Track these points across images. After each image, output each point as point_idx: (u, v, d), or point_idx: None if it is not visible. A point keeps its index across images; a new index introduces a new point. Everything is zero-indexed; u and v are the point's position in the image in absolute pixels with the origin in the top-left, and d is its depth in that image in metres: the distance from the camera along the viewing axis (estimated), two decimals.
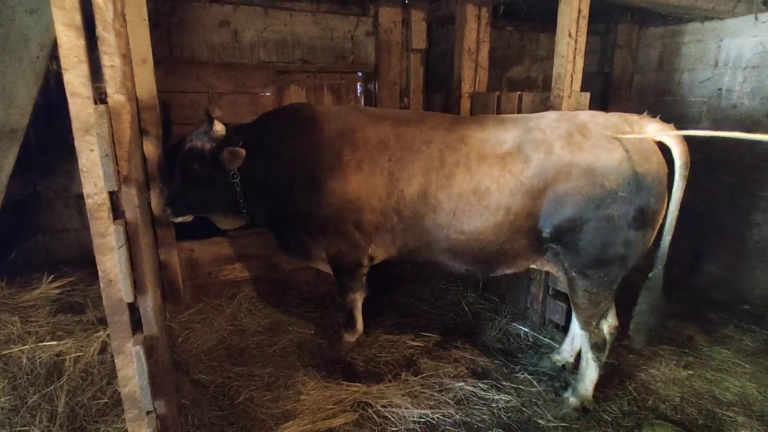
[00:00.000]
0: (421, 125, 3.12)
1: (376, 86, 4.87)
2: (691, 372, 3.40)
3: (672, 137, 2.58)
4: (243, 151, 3.13)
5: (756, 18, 4.28)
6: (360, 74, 4.99)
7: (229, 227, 3.74)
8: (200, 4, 4.01)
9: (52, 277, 3.34)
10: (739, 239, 4.61)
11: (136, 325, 1.78)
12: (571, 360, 3.36)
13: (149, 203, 3.39)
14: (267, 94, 4.49)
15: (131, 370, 1.73)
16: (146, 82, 3.22)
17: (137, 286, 1.71)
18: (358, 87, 5.08)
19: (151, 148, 3.29)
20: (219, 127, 3.19)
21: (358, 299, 3.54)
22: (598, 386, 3.06)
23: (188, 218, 3.46)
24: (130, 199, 1.63)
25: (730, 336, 3.90)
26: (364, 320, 3.67)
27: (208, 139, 3.23)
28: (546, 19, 5.04)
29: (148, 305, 1.75)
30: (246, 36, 4.26)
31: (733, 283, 4.67)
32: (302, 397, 3.02)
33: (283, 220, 3.42)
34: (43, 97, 3.06)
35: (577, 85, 3.31)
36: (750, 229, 4.53)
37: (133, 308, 1.76)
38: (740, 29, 4.43)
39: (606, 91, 5.54)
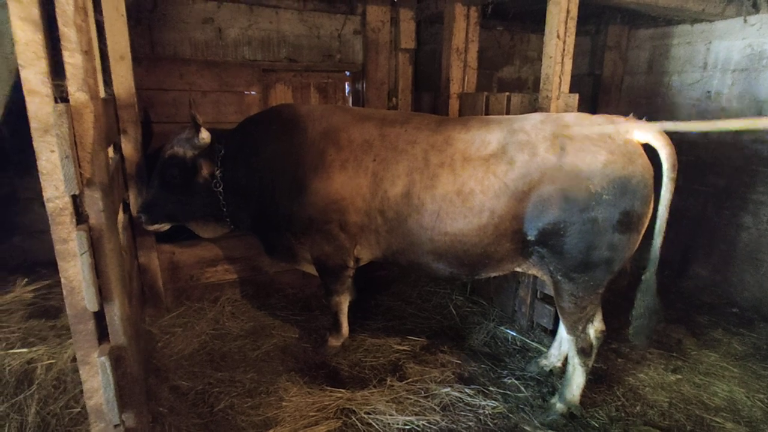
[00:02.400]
0: (406, 125, 3.07)
1: (364, 86, 4.80)
2: (679, 376, 3.37)
3: (649, 132, 2.56)
4: (206, 172, 3.20)
5: (745, 21, 4.27)
6: (348, 73, 4.91)
7: (211, 235, 3.66)
8: (183, 0, 3.92)
9: (26, 280, 3.24)
10: (729, 242, 4.60)
11: (103, 334, 1.70)
12: (559, 365, 3.32)
13: (127, 205, 3.30)
14: (252, 93, 4.40)
15: (97, 381, 1.65)
16: (124, 80, 3.13)
17: (103, 294, 1.63)
18: (346, 86, 5.01)
19: (129, 148, 3.20)
20: (205, 135, 3.12)
21: (344, 302, 3.48)
22: (586, 391, 3.02)
23: (164, 227, 3.39)
24: (94, 202, 1.55)
25: (718, 339, 3.88)
26: (350, 323, 3.60)
27: (190, 146, 3.17)
28: (536, 19, 5.00)
29: (115, 314, 1.67)
30: (230, 33, 4.17)
31: (722, 286, 4.66)
32: (284, 403, 2.94)
33: (269, 223, 3.35)
34: (19, 94, 2.96)
35: (565, 87, 3.27)
36: (739, 232, 4.52)
37: (99, 317, 1.68)
38: (729, 32, 4.42)
39: (596, 93, 5.52)
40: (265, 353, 3.49)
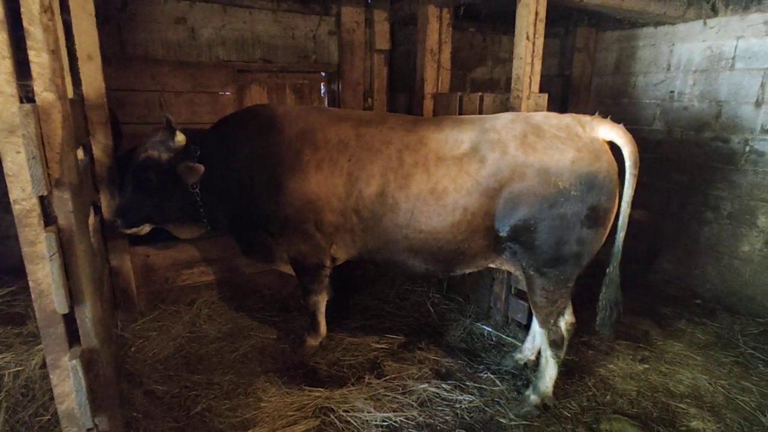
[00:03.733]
0: (381, 126, 3.10)
1: (340, 86, 4.82)
2: (646, 366, 3.50)
3: (613, 130, 2.67)
4: (201, 168, 3.08)
5: (705, 23, 4.46)
6: (323, 74, 4.93)
7: (188, 236, 3.63)
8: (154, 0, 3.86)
9: None
10: (692, 236, 4.80)
11: (74, 337, 1.68)
12: (533, 358, 3.41)
13: (98, 207, 3.24)
14: (227, 93, 4.37)
15: (68, 386, 1.63)
16: (93, 80, 3.08)
17: (73, 297, 1.60)
18: (322, 87, 5.02)
19: (99, 149, 3.14)
20: (180, 137, 3.08)
21: (321, 302, 3.49)
22: (559, 383, 3.11)
23: (142, 230, 3.34)
24: (63, 203, 1.53)
25: (683, 330, 4.05)
26: (328, 323, 3.61)
27: (165, 149, 3.13)
28: (507, 21, 5.10)
29: (86, 316, 1.65)
30: (204, 33, 4.13)
31: (686, 279, 4.85)
32: (262, 404, 2.94)
33: (246, 223, 3.35)
34: None
35: (535, 87, 3.36)
36: (701, 226, 4.72)
37: (69, 320, 1.65)
38: (690, 34, 4.61)
39: (565, 93, 5.67)
40: (243, 355, 3.47)
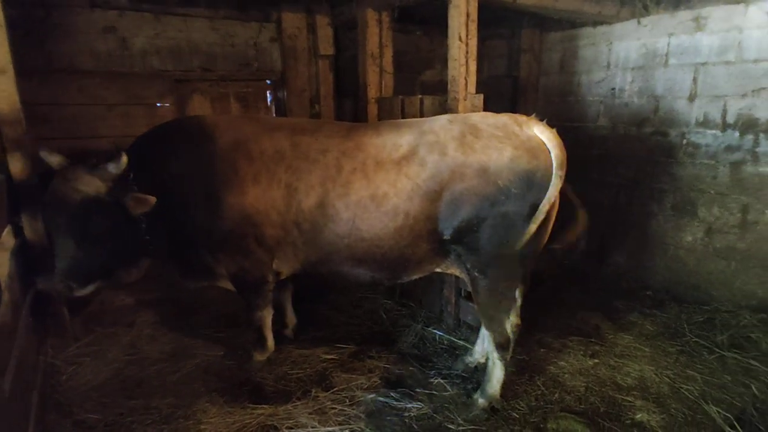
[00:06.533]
0: (316, 134, 3.03)
1: (285, 94, 4.73)
2: (596, 360, 3.51)
3: (544, 133, 2.68)
4: (153, 199, 2.75)
5: (639, 22, 4.59)
6: (269, 82, 4.83)
7: (136, 277, 3.27)
8: (79, 9, 3.70)
9: None
10: (641, 229, 4.90)
11: None
12: (483, 360, 3.37)
13: (19, 228, 3.04)
14: (166, 104, 4.22)
15: None
16: (7, 95, 2.89)
17: None
18: (268, 95, 4.92)
19: (17, 167, 2.96)
20: (125, 158, 2.72)
21: (267, 316, 3.37)
22: (509, 383, 3.09)
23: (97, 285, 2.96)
24: None
25: (633, 322, 4.10)
26: (278, 336, 3.50)
27: (100, 179, 2.73)
28: None
29: None
30: (136, 43, 3.98)
31: (637, 271, 4.94)
32: (202, 426, 2.80)
33: (184, 242, 3.12)
34: None
35: (471, 88, 3.36)
36: (648, 219, 4.82)
37: None
38: (626, 33, 4.73)
39: (515, 94, 5.74)
40: (186, 375, 3.31)
